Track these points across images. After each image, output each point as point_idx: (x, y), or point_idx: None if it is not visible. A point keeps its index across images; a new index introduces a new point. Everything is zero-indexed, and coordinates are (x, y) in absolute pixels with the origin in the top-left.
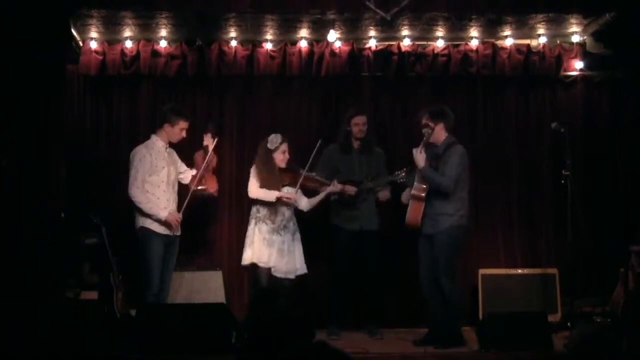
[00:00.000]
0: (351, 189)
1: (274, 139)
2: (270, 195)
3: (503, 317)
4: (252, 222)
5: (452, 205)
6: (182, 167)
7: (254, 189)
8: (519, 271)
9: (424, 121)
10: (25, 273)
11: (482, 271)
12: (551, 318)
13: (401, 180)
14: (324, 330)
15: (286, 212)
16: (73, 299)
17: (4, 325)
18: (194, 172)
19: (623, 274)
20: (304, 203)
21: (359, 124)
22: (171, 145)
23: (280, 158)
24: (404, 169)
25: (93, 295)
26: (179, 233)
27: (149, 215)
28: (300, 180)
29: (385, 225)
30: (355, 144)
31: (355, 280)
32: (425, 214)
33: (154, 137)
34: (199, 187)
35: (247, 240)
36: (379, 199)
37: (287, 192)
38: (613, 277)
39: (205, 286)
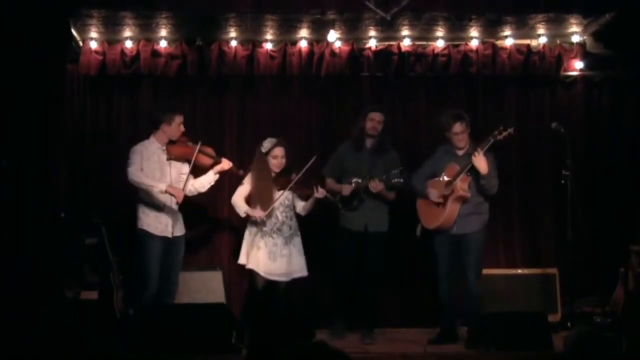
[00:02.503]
0: (347, 189)
1: (266, 143)
2: (240, 209)
3: (503, 317)
4: (248, 225)
5: (486, 204)
6: (185, 168)
7: (235, 194)
8: (519, 271)
9: (461, 129)
10: (25, 273)
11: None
12: (551, 318)
13: (396, 179)
14: (325, 331)
15: (280, 215)
16: (73, 299)
17: (4, 325)
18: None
19: (623, 274)
20: (299, 207)
21: (374, 120)
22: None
23: (274, 162)
24: (400, 169)
25: (93, 295)
26: (181, 233)
27: (150, 190)
28: (288, 187)
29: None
30: (368, 143)
31: (357, 281)
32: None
33: (151, 138)
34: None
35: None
36: (371, 191)
37: (276, 196)
38: (613, 277)
39: (205, 286)
